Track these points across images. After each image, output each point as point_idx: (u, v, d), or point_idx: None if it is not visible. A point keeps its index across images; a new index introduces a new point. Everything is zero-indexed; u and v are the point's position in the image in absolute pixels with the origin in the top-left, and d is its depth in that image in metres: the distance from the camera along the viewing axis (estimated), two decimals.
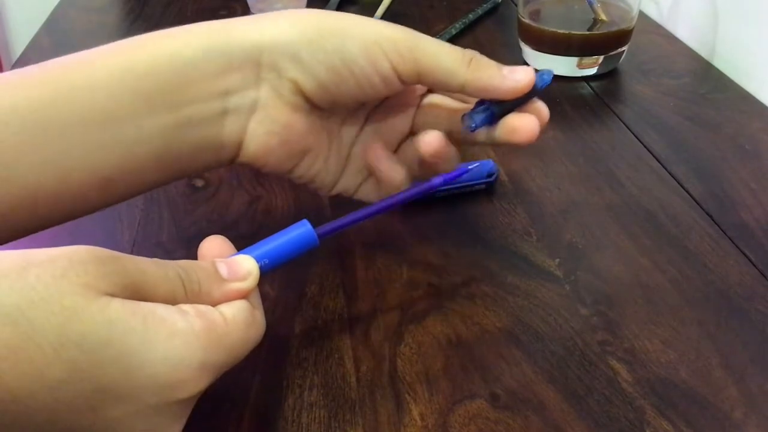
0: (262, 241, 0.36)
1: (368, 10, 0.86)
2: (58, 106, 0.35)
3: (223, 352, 0.31)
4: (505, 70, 0.40)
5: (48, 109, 0.35)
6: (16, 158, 0.34)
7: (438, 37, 0.76)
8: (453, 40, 0.78)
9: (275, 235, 0.36)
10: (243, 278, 0.34)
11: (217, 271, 0.33)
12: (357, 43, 0.38)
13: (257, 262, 0.35)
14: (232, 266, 0.34)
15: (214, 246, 0.35)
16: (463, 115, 0.41)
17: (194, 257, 0.47)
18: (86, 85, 0.36)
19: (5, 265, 0.27)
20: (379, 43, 0.38)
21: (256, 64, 0.39)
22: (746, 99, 0.65)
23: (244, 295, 0.33)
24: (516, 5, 0.72)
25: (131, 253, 0.36)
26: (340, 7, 0.86)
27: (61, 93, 0.36)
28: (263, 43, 0.39)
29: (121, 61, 0.37)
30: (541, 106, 0.40)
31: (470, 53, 0.40)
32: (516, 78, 0.39)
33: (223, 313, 0.32)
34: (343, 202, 0.52)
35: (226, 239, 0.36)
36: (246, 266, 0.34)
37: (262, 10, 0.86)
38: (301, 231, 0.36)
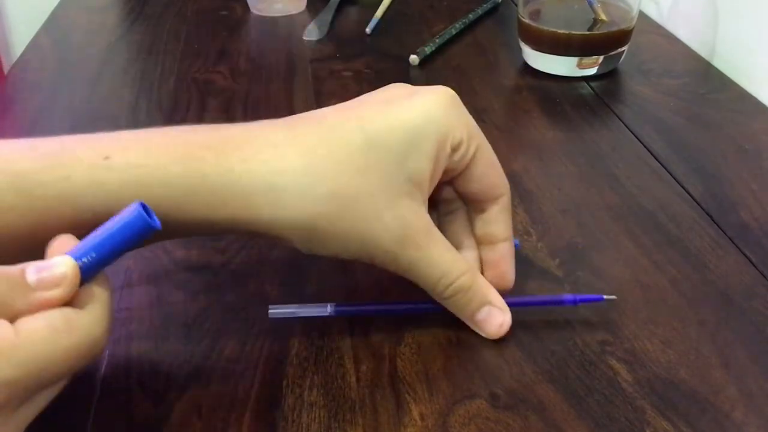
0: (93, 232, 0.31)
1: (368, 10, 0.86)
2: None
3: (14, 368, 0.28)
4: (481, 314, 0.40)
5: None
6: None
7: (438, 37, 0.76)
8: (453, 40, 0.78)
9: (106, 224, 0.31)
10: (55, 285, 0.29)
11: (23, 280, 0.29)
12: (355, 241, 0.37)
13: (78, 260, 0.30)
14: (42, 271, 0.30)
15: (62, 246, 0.31)
16: None
17: (194, 256, 0.47)
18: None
19: None
20: (367, 249, 0.38)
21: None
22: (746, 99, 0.65)
23: (57, 304, 0.30)
24: (516, 5, 0.72)
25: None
26: (339, 8, 0.86)
27: None
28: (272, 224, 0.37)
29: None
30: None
31: (461, 284, 0.39)
32: (486, 331, 0.40)
33: (17, 326, 0.28)
34: None
35: (74, 237, 0.32)
36: (59, 271, 0.30)
37: (261, 11, 0.86)
38: (131, 217, 0.31)
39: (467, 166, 0.39)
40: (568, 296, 0.42)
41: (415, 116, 0.37)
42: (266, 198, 0.35)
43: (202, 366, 0.39)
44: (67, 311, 0.30)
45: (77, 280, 0.30)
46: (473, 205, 0.42)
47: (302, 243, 0.37)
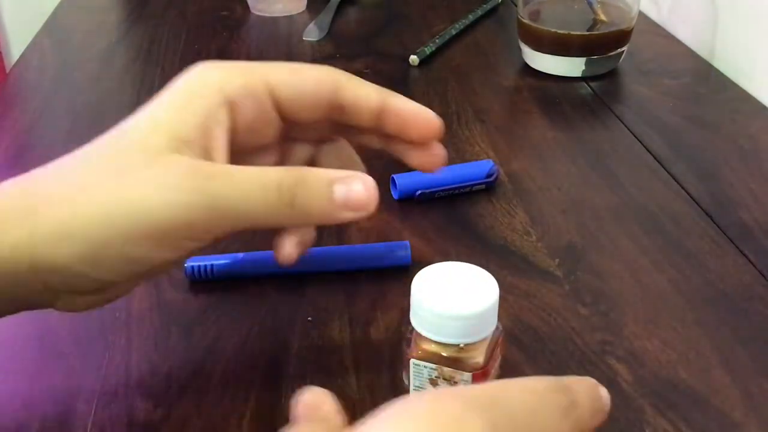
0: None
1: (368, 10, 0.86)
2: None
3: None
4: (338, 195, 0.33)
5: None
6: None
7: (438, 38, 0.76)
8: (453, 40, 0.78)
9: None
10: None
11: None
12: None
13: None
14: None
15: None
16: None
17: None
18: None
19: None
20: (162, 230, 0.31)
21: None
22: (746, 99, 0.65)
23: None
24: (516, 5, 0.72)
25: None
26: (339, 8, 0.86)
27: None
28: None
29: None
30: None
31: (290, 180, 0.33)
32: (357, 204, 0.33)
33: None
34: None
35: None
36: None
37: (261, 11, 0.86)
38: None
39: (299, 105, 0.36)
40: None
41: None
42: (18, 215, 0.31)
43: (202, 366, 0.40)
44: None
45: None
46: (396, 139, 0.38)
47: (85, 265, 0.31)
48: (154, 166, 0.32)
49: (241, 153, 0.36)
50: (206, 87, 0.34)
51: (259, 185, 0.32)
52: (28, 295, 0.32)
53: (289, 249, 0.36)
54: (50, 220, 0.31)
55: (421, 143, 0.38)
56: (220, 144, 0.34)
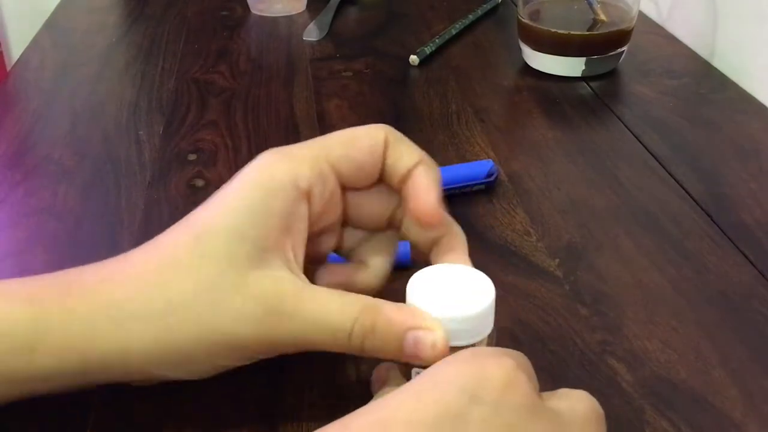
0: None
1: (368, 11, 0.86)
2: None
3: None
4: (408, 347, 0.33)
5: None
6: None
7: (438, 38, 0.77)
8: (453, 40, 0.78)
9: None
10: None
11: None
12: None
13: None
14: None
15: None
16: None
17: None
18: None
19: None
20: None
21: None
22: (746, 99, 0.65)
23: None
24: (516, 5, 0.72)
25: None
26: (339, 8, 0.86)
27: None
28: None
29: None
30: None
31: (363, 328, 0.33)
32: (424, 359, 0.33)
33: None
34: None
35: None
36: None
37: (261, 11, 0.86)
38: None
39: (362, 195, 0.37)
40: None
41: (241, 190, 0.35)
42: (108, 329, 0.33)
43: None
44: None
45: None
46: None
47: (174, 371, 0.35)
48: (241, 289, 0.33)
49: (310, 237, 0.36)
50: (281, 183, 0.34)
51: (330, 329, 0.33)
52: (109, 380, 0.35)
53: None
54: (144, 336, 0.33)
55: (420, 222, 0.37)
56: (301, 239, 0.35)
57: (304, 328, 0.33)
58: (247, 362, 0.35)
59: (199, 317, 0.33)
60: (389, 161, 0.36)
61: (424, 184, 0.36)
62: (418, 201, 0.36)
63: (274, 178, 0.34)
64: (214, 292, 0.33)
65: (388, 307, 0.33)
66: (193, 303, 0.33)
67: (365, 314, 0.33)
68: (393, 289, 0.44)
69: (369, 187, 0.37)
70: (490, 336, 0.34)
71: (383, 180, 0.37)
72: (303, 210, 0.35)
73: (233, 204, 0.34)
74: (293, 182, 0.34)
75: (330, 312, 0.33)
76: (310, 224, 0.36)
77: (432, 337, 0.32)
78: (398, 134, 0.37)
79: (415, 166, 0.36)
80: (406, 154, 0.36)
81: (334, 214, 0.37)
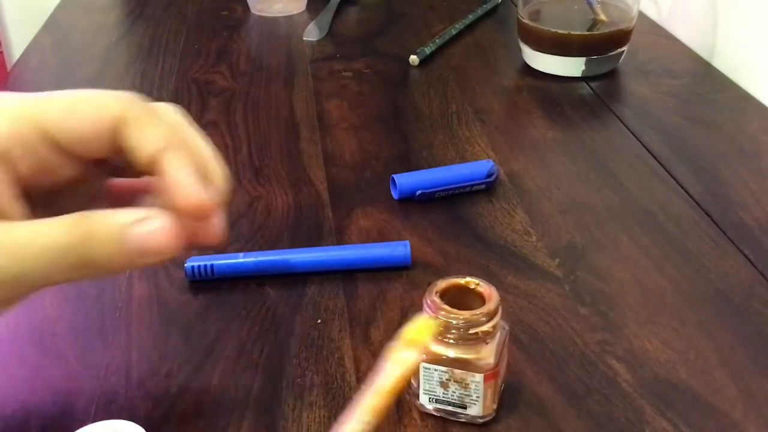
0: None
1: (368, 11, 0.86)
2: None
3: None
4: (129, 240, 0.29)
5: None
6: None
7: (438, 38, 0.77)
8: (453, 40, 0.78)
9: None
10: None
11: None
12: None
13: None
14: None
15: None
16: None
17: (194, 255, 0.47)
18: None
19: None
20: None
21: None
22: (746, 99, 0.65)
23: None
24: (516, 5, 0.72)
25: None
26: (339, 8, 0.86)
27: None
28: None
29: None
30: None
31: (74, 239, 0.29)
32: (157, 247, 0.29)
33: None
34: (342, 203, 0.52)
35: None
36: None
37: (261, 11, 0.86)
38: None
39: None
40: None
41: None
42: None
43: (202, 366, 0.40)
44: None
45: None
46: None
47: None
48: None
49: (46, 194, 0.32)
50: None
51: (39, 251, 0.28)
52: None
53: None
54: None
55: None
56: (5, 201, 0.30)
57: (16, 253, 0.28)
58: None
59: None
60: (130, 143, 0.31)
61: (174, 177, 0.31)
62: (176, 197, 0.31)
63: None
64: None
65: (102, 211, 0.30)
66: None
67: (79, 222, 0.29)
68: (393, 288, 0.44)
69: (103, 156, 0.32)
70: (502, 331, 0.34)
71: (126, 160, 0.32)
72: None
73: None
74: None
75: (41, 232, 0.29)
76: (30, 180, 0.31)
77: (157, 222, 0.29)
78: (144, 111, 0.32)
79: (162, 151, 0.31)
80: (150, 137, 0.31)
81: (63, 174, 0.32)
